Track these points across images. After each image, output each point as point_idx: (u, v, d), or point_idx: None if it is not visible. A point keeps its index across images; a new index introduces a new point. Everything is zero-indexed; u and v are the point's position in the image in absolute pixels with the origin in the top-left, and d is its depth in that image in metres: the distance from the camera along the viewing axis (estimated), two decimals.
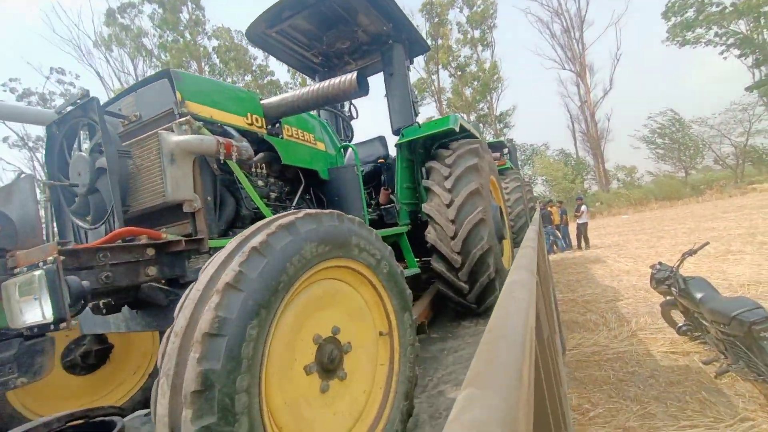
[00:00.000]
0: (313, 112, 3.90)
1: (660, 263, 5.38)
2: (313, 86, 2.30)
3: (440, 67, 36.54)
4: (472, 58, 37.43)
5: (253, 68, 28.76)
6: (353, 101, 5.49)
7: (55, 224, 1.98)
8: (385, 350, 1.88)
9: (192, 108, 1.97)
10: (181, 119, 1.86)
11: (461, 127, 4.14)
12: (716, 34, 30.37)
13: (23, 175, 1.50)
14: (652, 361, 4.69)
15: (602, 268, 10.16)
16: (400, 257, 3.67)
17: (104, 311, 1.83)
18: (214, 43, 28.27)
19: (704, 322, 4.28)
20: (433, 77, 37.02)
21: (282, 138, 2.62)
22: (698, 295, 4.28)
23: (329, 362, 1.55)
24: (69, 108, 1.86)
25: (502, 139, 13.98)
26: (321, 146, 3.11)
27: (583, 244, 14.40)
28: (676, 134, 34.25)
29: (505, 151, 13.19)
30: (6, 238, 1.30)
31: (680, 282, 4.72)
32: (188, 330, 1.10)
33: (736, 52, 30.69)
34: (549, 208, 15.64)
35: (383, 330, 1.88)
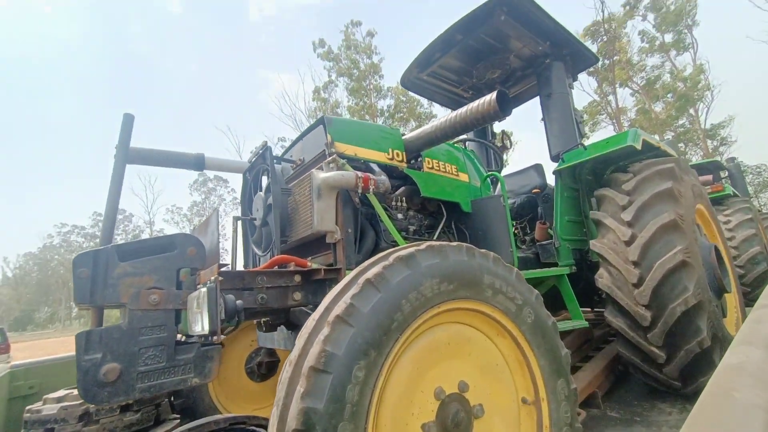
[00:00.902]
0: (459, 144, 3.82)
1: None
2: (450, 114, 2.22)
3: (618, 85, 31.45)
4: (663, 68, 30.85)
5: (421, 116, 31.46)
6: (506, 131, 5.20)
7: (241, 251, 2.45)
8: (530, 424, 1.49)
9: (339, 148, 2.16)
10: (329, 158, 2.06)
11: (645, 144, 3.29)
12: None
13: (214, 210, 1.93)
14: None
15: None
16: (561, 305, 3.06)
17: (264, 329, 2.09)
18: (390, 101, 32.38)
19: None
20: (610, 98, 32.10)
21: (422, 171, 2.61)
22: None
23: (453, 425, 1.30)
24: (254, 158, 2.32)
25: (716, 158, 10.71)
26: (464, 177, 2.95)
27: None
28: None
29: (724, 174, 10.01)
30: (198, 259, 1.66)
31: None
32: (300, 360, 1.09)
33: None
34: None
35: (527, 397, 1.50)
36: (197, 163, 2.34)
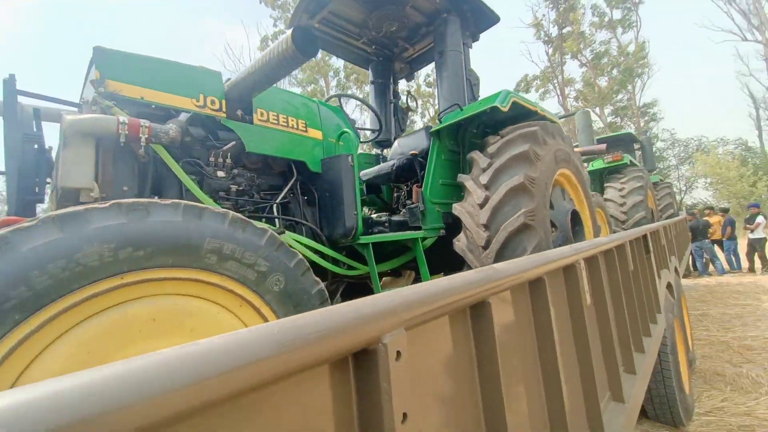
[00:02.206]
0: (334, 100, 3.52)
1: None
2: (257, 57, 1.90)
3: (569, 57, 32.14)
4: (610, 44, 31.86)
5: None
6: (410, 90, 4.94)
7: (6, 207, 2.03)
8: None
9: (115, 87, 1.77)
10: (91, 99, 1.68)
11: (517, 106, 3.19)
12: None
13: None
14: None
15: None
16: (437, 268, 3.00)
17: None
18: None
19: None
20: (559, 69, 32.79)
21: (251, 123, 2.29)
22: None
23: None
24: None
25: (630, 131, 11.41)
26: (316, 134, 2.67)
27: (758, 265, 10.59)
28: None
29: (637, 146, 10.72)
30: None
31: None
32: None
33: None
34: (708, 218, 11.99)
35: None
36: None
